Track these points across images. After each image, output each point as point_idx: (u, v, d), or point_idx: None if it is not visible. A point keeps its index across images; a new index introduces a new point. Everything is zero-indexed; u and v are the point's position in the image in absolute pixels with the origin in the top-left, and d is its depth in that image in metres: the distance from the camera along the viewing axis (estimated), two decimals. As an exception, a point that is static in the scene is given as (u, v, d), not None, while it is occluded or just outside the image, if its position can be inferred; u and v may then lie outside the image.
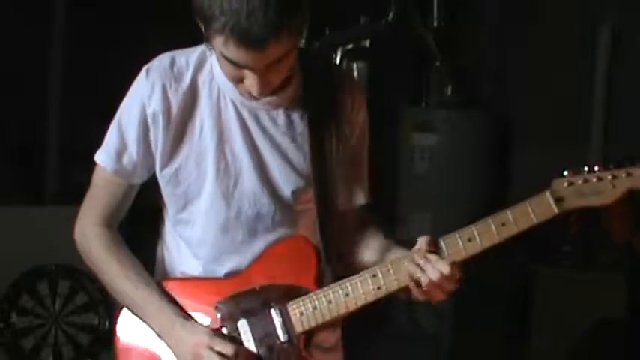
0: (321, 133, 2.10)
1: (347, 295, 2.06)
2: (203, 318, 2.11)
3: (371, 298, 2.06)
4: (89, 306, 4.29)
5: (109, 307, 4.24)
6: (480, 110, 5.19)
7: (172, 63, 2.11)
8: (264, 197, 2.10)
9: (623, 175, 1.93)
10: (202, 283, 2.15)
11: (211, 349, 2.03)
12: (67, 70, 4.93)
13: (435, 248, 2.04)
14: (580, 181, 1.97)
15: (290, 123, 2.11)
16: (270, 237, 2.13)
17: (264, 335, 2.09)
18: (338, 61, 4.75)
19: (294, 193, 2.11)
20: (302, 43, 2.10)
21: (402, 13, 4.92)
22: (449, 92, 5.14)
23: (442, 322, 4.70)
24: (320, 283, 2.10)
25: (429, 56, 5.13)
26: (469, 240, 2.02)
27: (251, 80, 1.93)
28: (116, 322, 2.27)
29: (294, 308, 2.08)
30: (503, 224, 2.00)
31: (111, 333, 4.22)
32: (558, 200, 1.97)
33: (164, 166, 2.12)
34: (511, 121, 5.24)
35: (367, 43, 4.98)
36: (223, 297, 2.11)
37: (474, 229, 2.03)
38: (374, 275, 2.06)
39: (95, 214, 2.20)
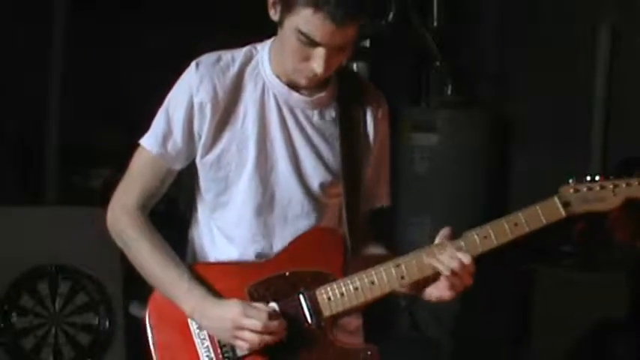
0: (352, 134, 2.28)
1: (372, 283, 2.21)
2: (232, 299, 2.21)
3: (395, 286, 2.22)
4: (89, 306, 4.28)
5: (109, 307, 4.24)
6: (480, 110, 5.19)
7: (219, 58, 2.26)
8: (295, 186, 2.27)
9: (623, 185, 2.19)
10: (233, 267, 2.28)
11: (247, 316, 2.14)
12: (67, 70, 4.93)
13: (455, 240, 2.21)
14: (585, 189, 2.21)
15: (323, 123, 2.28)
16: (299, 224, 2.28)
17: (293, 318, 2.21)
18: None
19: (321, 185, 2.28)
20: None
21: (402, 13, 4.93)
22: (449, 92, 5.15)
23: (443, 325, 4.70)
24: (346, 271, 2.24)
25: (429, 56, 5.13)
26: (485, 237, 2.21)
27: (319, 59, 2.11)
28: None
29: (322, 294, 2.22)
30: (516, 224, 2.21)
31: (111, 333, 4.24)
32: (565, 204, 2.21)
33: (206, 152, 2.26)
34: (511, 121, 5.25)
35: (367, 43, 4.99)
36: (254, 281, 2.23)
37: (489, 228, 2.21)
38: (397, 265, 2.21)
39: (132, 196, 2.29)
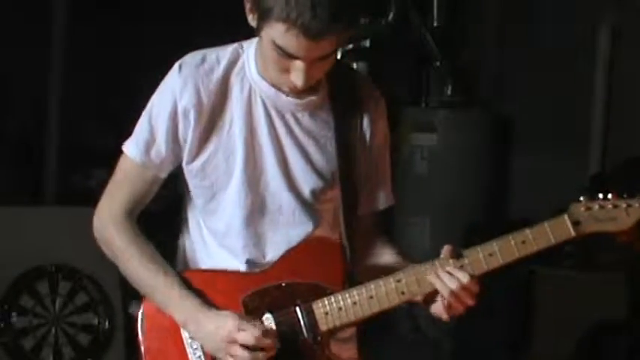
0: (347, 137, 2.18)
1: (371, 297, 2.12)
2: (227, 309, 2.13)
3: (394, 302, 2.12)
4: (89, 306, 4.29)
5: (109, 307, 4.24)
6: (480, 110, 5.19)
7: (203, 59, 2.15)
8: (285, 192, 2.16)
9: (637, 205, 2.07)
10: (227, 276, 2.19)
11: (242, 330, 2.06)
12: (67, 70, 4.93)
13: (456, 257, 2.11)
14: (597, 207, 2.09)
15: (314, 125, 2.17)
16: (292, 231, 2.18)
17: (288, 331, 2.13)
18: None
19: (312, 192, 2.17)
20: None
21: (402, 13, 4.92)
22: (449, 92, 5.15)
23: (443, 327, 4.69)
24: (345, 284, 2.15)
25: (429, 56, 5.13)
26: (490, 255, 2.10)
27: (298, 72, 2.01)
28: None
29: (320, 307, 2.13)
30: (523, 242, 2.10)
31: (111, 333, 4.24)
32: (575, 223, 2.09)
33: (192, 159, 2.16)
34: (511, 121, 5.25)
35: (367, 43, 4.99)
36: (249, 291, 2.15)
37: (494, 245, 2.10)
38: (398, 280, 2.12)
39: (118, 204, 2.21)
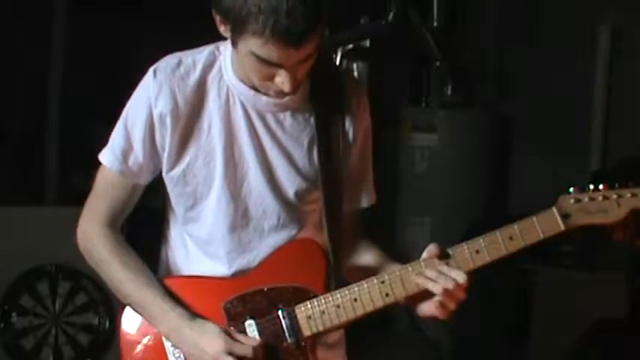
0: (329, 135, 2.12)
1: (355, 300, 2.07)
2: (209, 317, 2.10)
3: (379, 304, 2.07)
4: (89, 306, 4.29)
5: (109, 307, 4.23)
6: (480, 110, 5.19)
7: (179, 63, 2.10)
8: (269, 197, 2.11)
9: (628, 195, 1.99)
10: (209, 282, 2.15)
11: (232, 351, 2.03)
12: (67, 70, 4.93)
13: (444, 257, 2.06)
14: (586, 199, 2.01)
15: (296, 125, 2.12)
16: (277, 236, 2.14)
17: (271, 336, 2.09)
18: (338, 61, 4.75)
19: (297, 194, 2.13)
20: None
21: (402, 13, 4.92)
22: (449, 92, 5.14)
23: (442, 325, 4.69)
24: (328, 286, 2.10)
25: (429, 56, 5.12)
26: (477, 252, 2.04)
27: (283, 77, 1.95)
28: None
29: (303, 311, 2.08)
30: (511, 238, 2.03)
31: (111, 333, 4.24)
32: (565, 216, 2.01)
33: (172, 166, 2.12)
34: (511, 121, 5.25)
35: (367, 43, 4.98)
36: (230, 297, 2.11)
37: (481, 241, 2.04)
38: (382, 282, 2.07)
39: (99, 214, 2.18)
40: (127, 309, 2.18)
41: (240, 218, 2.12)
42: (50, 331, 4.24)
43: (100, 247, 2.16)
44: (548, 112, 5.08)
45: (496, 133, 5.18)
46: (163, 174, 2.14)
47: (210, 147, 2.10)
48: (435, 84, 5.20)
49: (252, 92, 2.06)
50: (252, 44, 1.90)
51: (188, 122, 2.09)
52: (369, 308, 2.07)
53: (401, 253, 2.23)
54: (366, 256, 2.25)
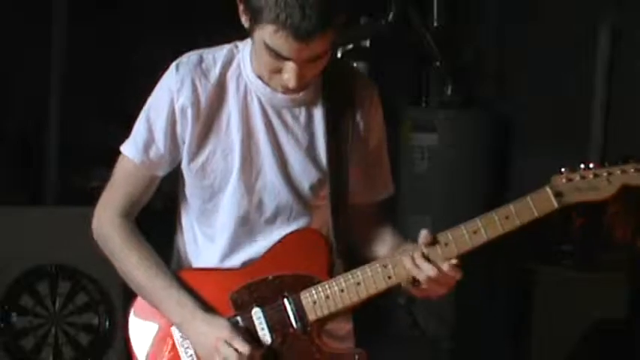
0: (339, 131, 2.20)
1: (358, 284, 2.14)
2: (217, 307, 2.17)
3: (382, 286, 2.15)
4: (89, 306, 4.29)
5: (109, 307, 4.24)
6: (479, 110, 5.19)
7: (200, 60, 2.18)
8: (284, 190, 2.19)
9: (618, 172, 2.07)
10: (216, 273, 2.22)
11: (230, 345, 2.09)
12: (67, 70, 4.93)
13: (433, 243, 2.12)
14: (577, 177, 2.10)
15: (311, 120, 2.20)
16: (288, 229, 2.22)
17: (278, 323, 2.16)
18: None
19: (312, 187, 2.20)
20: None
21: (402, 13, 4.92)
22: (449, 92, 5.15)
23: (442, 324, 4.70)
24: (331, 273, 2.18)
25: (429, 56, 5.13)
26: (474, 232, 2.11)
27: (289, 73, 2.02)
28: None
29: (307, 297, 2.16)
30: (507, 217, 2.10)
31: (111, 333, 4.24)
32: (558, 195, 2.09)
33: (192, 159, 2.19)
34: (511, 121, 5.24)
35: (367, 43, 4.98)
36: (237, 287, 2.18)
37: (478, 222, 2.11)
38: (384, 265, 2.15)
39: (116, 204, 2.24)
40: (138, 299, 2.24)
41: (253, 211, 2.20)
42: (50, 331, 4.24)
43: (115, 236, 2.22)
44: (548, 112, 5.08)
45: (496, 132, 5.18)
46: (183, 165, 2.21)
47: (228, 141, 2.17)
48: (435, 84, 5.20)
49: (269, 89, 2.14)
50: (266, 33, 1.97)
51: (208, 116, 2.17)
52: (372, 291, 2.15)
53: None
54: (383, 245, 2.33)
